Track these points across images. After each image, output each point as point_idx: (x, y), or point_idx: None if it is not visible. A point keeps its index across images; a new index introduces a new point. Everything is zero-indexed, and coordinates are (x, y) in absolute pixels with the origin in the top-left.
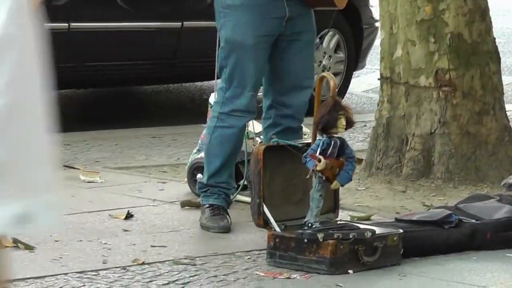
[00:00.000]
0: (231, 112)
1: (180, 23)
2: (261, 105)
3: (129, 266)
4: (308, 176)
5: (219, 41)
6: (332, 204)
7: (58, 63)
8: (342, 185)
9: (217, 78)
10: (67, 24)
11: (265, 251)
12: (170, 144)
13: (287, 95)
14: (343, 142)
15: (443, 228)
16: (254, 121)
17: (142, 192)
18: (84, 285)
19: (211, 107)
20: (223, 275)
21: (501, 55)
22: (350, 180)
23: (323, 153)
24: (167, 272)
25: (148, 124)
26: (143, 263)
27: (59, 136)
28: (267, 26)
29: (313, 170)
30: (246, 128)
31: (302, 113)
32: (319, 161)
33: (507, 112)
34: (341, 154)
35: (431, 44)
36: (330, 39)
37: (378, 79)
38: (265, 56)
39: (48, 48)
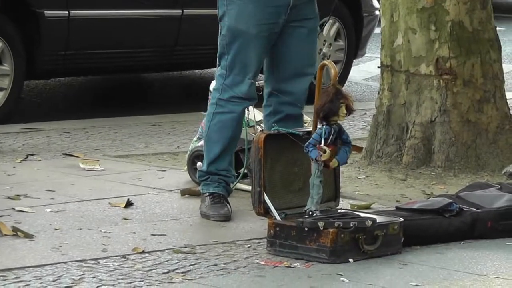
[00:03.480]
0: (230, 98)
1: (181, 11)
2: (261, 92)
3: (129, 254)
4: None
5: (220, 28)
6: (333, 192)
7: (58, 51)
8: (340, 164)
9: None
10: (67, 12)
11: (265, 240)
12: (170, 132)
13: (288, 82)
14: (340, 128)
15: (443, 216)
16: (255, 110)
17: (142, 180)
18: (83, 274)
19: (211, 94)
20: (224, 263)
21: (501, 43)
22: (347, 161)
23: (324, 141)
24: (167, 261)
25: (148, 112)
26: (143, 252)
27: (59, 124)
28: (270, 15)
29: (317, 160)
30: (247, 116)
31: (302, 100)
32: (324, 151)
33: (507, 100)
34: (338, 139)
35: (432, 32)
36: (330, 27)
37: (378, 67)
38: (267, 44)
39: (48, 36)
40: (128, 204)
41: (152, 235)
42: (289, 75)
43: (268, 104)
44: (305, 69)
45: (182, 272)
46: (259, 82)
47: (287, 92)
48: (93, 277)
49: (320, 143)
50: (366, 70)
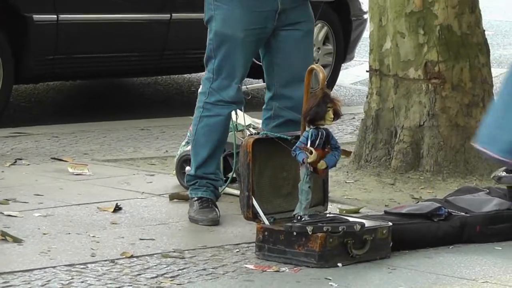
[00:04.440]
0: (217, 102)
1: (169, 15)
2: (250, 97)
3: (117, 259)
4: (300, 168)
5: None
6: (321, 197)
7: (46, 55)
8: (328, 167)
9: None
10: (55, 16)
11: (254, 244)
12: (158, 137)
13: (287, 87)
14: (328, 132)
15: (432, 221)
16: (245, 114)
17: (131, 184)
18: (72, 279)
19: None
20: (212, 268)
21: (490, 47)
22: (335, 164)
23: (311, 144)
24: (155, 265)
25: (136, 116)
26: (131, 256)
27: (48, 128)
28: (257, 20)
29: (304, 162)
30: (236, 120)
31: (302, 106)
32: (311, 153)
33: None
34: (326, 144)
35: (420, 36)
36: (319, 31)
37: (367, 71)
38: (254, 49)
39: (37, 40)
40: (117, 209)
41: (141, 239)
42: (287, 80)
43: (268, 108)
44: (303, 73)
45: (171, 277)
46: (247, 86)
47: (287, 97)
48: (82, 282)
49: (307, 145)
50: (354, 74)
